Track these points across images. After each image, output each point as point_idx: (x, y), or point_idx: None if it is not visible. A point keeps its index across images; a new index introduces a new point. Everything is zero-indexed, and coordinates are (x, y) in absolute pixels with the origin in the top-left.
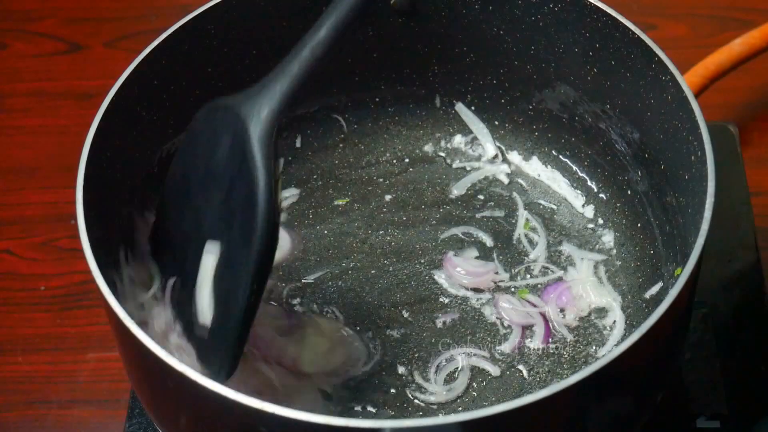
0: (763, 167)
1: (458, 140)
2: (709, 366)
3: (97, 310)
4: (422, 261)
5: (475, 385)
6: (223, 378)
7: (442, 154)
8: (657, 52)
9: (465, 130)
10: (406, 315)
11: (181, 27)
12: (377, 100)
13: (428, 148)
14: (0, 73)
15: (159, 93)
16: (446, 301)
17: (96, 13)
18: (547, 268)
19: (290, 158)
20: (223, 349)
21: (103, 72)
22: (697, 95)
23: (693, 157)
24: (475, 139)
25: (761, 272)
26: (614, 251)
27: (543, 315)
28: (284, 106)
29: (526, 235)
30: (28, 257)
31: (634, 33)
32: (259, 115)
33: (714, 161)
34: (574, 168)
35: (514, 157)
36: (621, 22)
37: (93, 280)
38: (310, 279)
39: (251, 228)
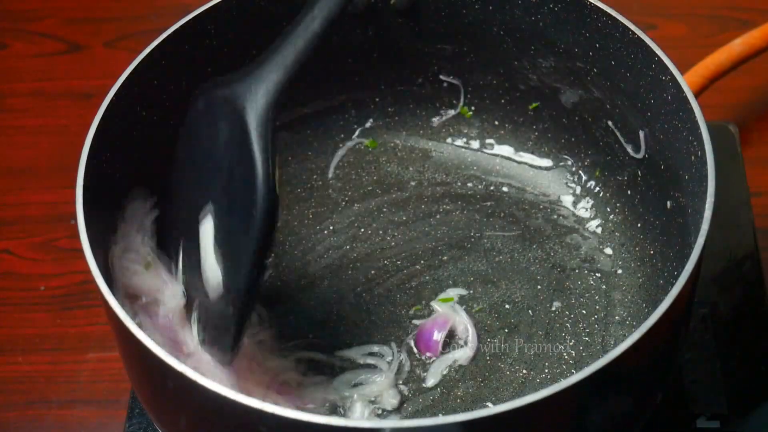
0: (763, 167)
1: (458, 140)
2: (709, 366)
3: (97, 310)
4: (422, 262)
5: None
6: (228, 359)
7: (443, 154)
8: (657, 52)
9: (464, 129)
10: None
11: (181, 27)
12: (377, 100)
13: (428, 147)
14: (0, 73)
15: (159, 93)
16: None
17: (96, 13)
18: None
19: (290, 158)
20: (228, 326)
21: (103, 72)
22: (697, 95)
23: (693, 157)
24: (473, 139)
25: (761, 272)
26: (614, 251)
27: None
28: (281, 91)
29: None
30: (28, 257)
31: (634, 33)
32: (256, 102)
33: (714, 161)
34: (574, 168)
35: (514, 156)
36: (621, 22)
37: (93, 280)
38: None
39: (251, 209)
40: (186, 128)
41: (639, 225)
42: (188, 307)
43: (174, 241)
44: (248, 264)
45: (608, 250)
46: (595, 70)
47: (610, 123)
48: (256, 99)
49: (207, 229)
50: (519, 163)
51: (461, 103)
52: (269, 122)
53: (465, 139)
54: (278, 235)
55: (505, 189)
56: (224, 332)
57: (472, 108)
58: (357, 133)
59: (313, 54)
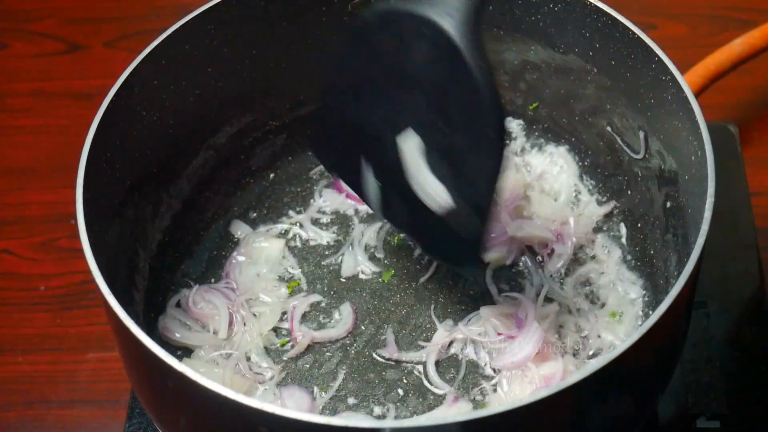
0: (763, 167)
1: None
2: (709, 366)
3: (97, 310)
4: (422, 262)
5: None
6: (484, 244)
7: None
8: (657, 52)
9: None
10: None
11: (181, 27)
12: None
13: None
14: (0, 73)
15: (159, 93)
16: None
17: (96, 13)
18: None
19: (290, 158)
20: (474, 235)
21: (103, 72)
22: (697, 95)
23: (693, 157)
24: None
25: (761, 272)
26: (614, 251)
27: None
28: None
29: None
30: (28, 257)
31: (634, 33)
32: (456, 13)
33: (714, 161)
34: (574, 167)
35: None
36: (621, 22)
37: (93, 280)
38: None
39: (480, 126)
40: (351, 52)
41: (639, 225)
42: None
43: (350, 164)
44: (491, 177)
45: (608, 250)
46: (595, 70)
47: (609, 123)
48: (455, 11)
49: (411, 148)
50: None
51: None
52: (477, 32)
53: None
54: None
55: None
56: (467, 242)
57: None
58: None
59: None
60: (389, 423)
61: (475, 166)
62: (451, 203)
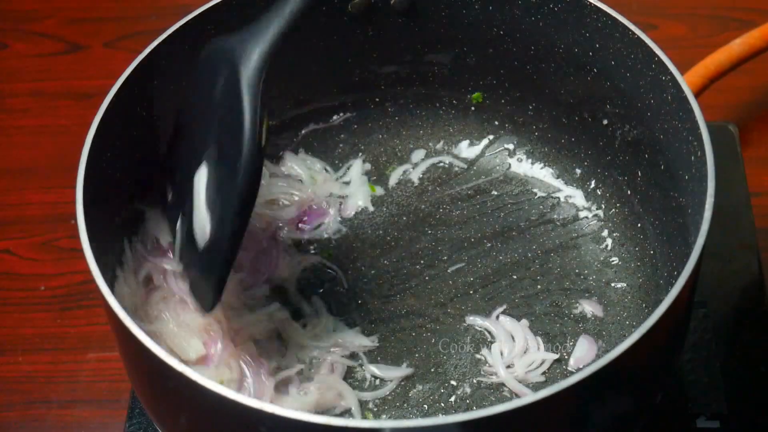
0: (763, 167)
1: (460, 141)
2: (709, 366)
3: (97, 310)
4: (421, 262)
5: None
6: (209, 304)
7: (442, 153)
8: (657, 52)
9: (464, 129)
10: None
11: (181, 27)
12: (377, 100)
13: (428, 147)
14: (0, 73)
15: (159, 93)
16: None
17: (96, 13)
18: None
19: (288, 158)
20: (213, 268)
21: (103, 72)
22: (697, 95)
23: (693, 157)
24: (474, 140)
25: (761, 272)
26: (614, 251)
27: None
28: (273, 45)
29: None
30: (28, 257)
31: (634, 33)
32: (249, 57)
33: (714, 161)
34: (574, 167)
35: (514, 156)
36: (621, 22)
37: (93, 280)
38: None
39: (237, 157)
40: (190, 84)
41: (639, 225)
42: (180, 256)
43: (175, 192)
44: (231, 215)
45: (608, 251)
46: (595, 70)
47: (609, 123)
48: (250, 52)
49: (200, 181)
50: (519, 162)
51: (464, 100)
52: (260, 76)
53: (465, 140)
54: None
55: (504, 189)
56: (207, 280)
57: (472, 108)
58: (356, 133)
59: (308, 10)
60: (389, 423)
61: (226, 201)
62: (206, 239)
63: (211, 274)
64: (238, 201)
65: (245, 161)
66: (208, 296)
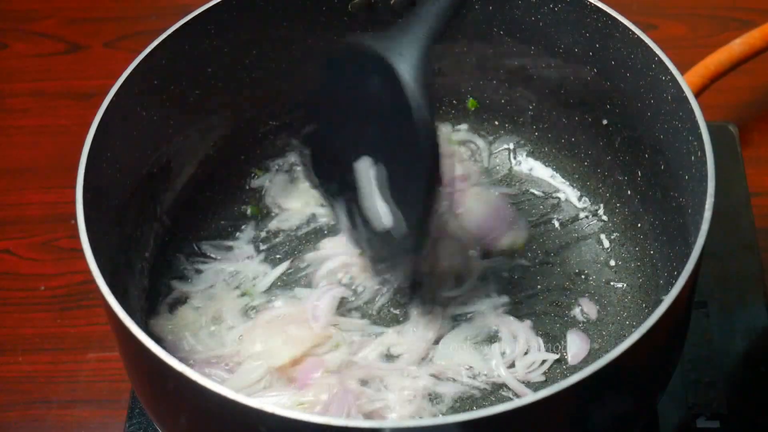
0: (763, 167)
1: (459, 140)
2: (709, 366)
3: (97, 310)
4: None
5: None
6: (420, 251)
7: None
8: (657, 52)
9: (464, 130)
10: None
11: (181, 27)
12: None
13: None
14: (0, 73)
15: (159, 93)
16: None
17: (96, 13)
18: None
19: (291, 159)
20: (406, 254)
21: (103, 72)
22: (697, 95)
23: (693, 157)
24: (472, 140)
25: (761, 272)
26: (614, 251)
27: None
28: (432, 41)
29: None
30: (28, 257)
31: (634, 33)
32: (408, 55)
33: (714, 161)
34: (574, 167)
35: (515, 156)
36: (621, 22)
37: (93, 280)
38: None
39: (417, 156)
40: (325, 88)
41: (639, 225)
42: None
43: (331, 186)
44: (420, 203)
45: (608, 251)
46: (595, 70)
47: (610, 123)
48: (408, 53)
49: (365, 174)
50: (518, 162)
51: (465, 101)
52: (424, 74)
53: (465, 140)
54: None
55: (504, 189)
56: (401, 260)
57: (471, 108)
58: None
59: (461, 5)
60: (389, 423)
61: (412, 195)
62: (390, 225)
63: (405, 256)
64: (426, 192)
65: (426, 155)
66: (415, 248)
